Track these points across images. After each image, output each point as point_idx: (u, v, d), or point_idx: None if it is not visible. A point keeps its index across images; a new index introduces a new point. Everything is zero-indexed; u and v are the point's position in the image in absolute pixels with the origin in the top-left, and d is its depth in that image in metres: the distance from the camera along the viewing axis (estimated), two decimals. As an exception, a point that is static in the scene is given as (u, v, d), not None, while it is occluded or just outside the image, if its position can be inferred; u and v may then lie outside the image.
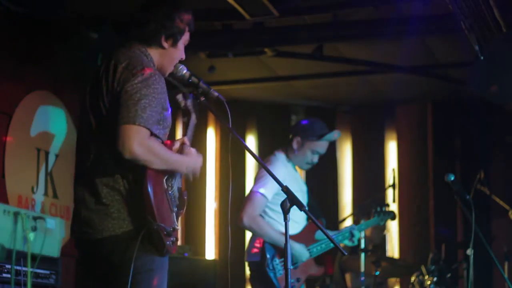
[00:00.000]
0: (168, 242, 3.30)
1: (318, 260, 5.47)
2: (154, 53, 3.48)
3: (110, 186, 3.30)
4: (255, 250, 5.28)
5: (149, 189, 3.24)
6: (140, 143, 3.20)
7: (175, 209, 3.41)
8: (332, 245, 5.26)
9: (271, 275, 5.16)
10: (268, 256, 5.17)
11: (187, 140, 3.52)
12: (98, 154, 3.33)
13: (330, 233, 5.60)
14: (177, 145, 3.48)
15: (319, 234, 5.34)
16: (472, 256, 5.21)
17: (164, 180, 3.35)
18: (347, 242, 5.53)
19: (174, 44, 3.51)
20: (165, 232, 3.28)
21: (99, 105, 3.34)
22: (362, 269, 6.37)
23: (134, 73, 3.29)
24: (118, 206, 3.29)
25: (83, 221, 3.35)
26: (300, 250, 5.22)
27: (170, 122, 3.41)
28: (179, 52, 3.55)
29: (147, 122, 3.22)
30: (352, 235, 5.46)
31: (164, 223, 3.28)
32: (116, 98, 3.27)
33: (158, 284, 3.34)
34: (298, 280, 5.27)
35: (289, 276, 3.19)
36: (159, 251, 3.32)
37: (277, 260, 5.20)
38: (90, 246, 3.36)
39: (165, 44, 3.48)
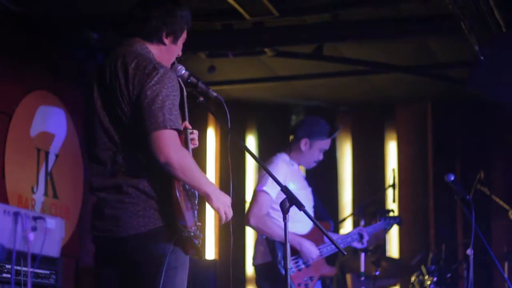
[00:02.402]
0: (196, 241, 3.34)
1: (330, 260, 5.47)
2: (154, 49, 3.47)
3: (135, 186, 3.30)
4: (263, 252, 5.25)
5: (178, 195, 3.26)
6: (175, 147, 3.23)
7: (196, 207, 3.42)
8: (342, 245, 5.28)
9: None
10: (279, 254, 5.15)
11: (188, 125, 3.51)
12: (122, 159, 3.33)
13: (338, 235, 5.62)
14: None
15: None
16: (472, 256, 5.21)
17: None
18: (356, 244, 5.53)
19: (175, 41, 3.51)
20: (192, 234, 3.31)
21: (115, 110, 3.33)
22: (362, 269, 6.36)
23: (148, 74, 3.28)
24: (144, 204, 3.30)
25: (107, 218, 3.34)
26: (310, 247, 5.22)
27: None
28: (178, 49, 3.56)
29: (176, 123, 3.25)
30: (361, 237, 5.46)
31: (191, 225, 3.30)
32: (135, 103, 3.27)
33: (180, 282, 3.37)
34: (311, 278, 5.25)
35: (289, 276, 3.19)
36: (185, 251, 3.35)
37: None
38: (112, 243, 3.35)
39: (166, 41, 3.49)
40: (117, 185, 3.32)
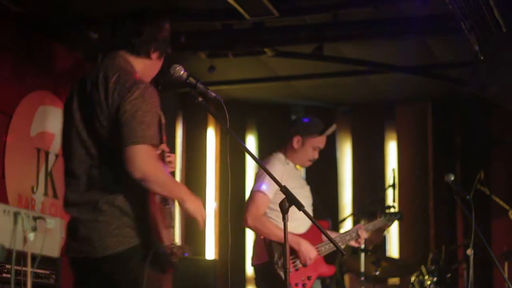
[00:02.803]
0: (173, 259, 3.30)
1: (329, 259, 5.45)
2: (138, 63, 3.43)
3: (110, 203, 3.25)
4: (261, 252, 5.24)
5: (154, 212, 3.23)
6: (150, 163, 3.19)
7: (172, 225, 3.38)
8: (340, 243, 5.27)
9: (281, 273, 5.12)
10: (276, 254, 5.14)
11: (166, 147, 3.46)
12: (98, 174, 3.27)
13: (337, 233, 5.61)
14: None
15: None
16: (472, 256, 5.21)
17: (160, 198, 3.32)
18: (353, 243, 5.50)
19: (161, 56, 3.49)
20: (169, 251, 3.27)
21: (93, 123, 3.28)
22: (362, 269, 6.36)
23: (128, 88, 3.24)
24: (117, 223, 3.24)
25: (81, 239, 3.30)
26: (308, 247, 5.21)
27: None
28: (161, 63, 3.52)
29: (153, 139, 3.22)
30: (358, 236, 5.44)
31: (167, 242, 3.27)
32: (114, 117, 3.22)
33: None
34: (309, 278, 5.24)
35: (288, 277, 3.19)
36: (163, 269, 3.30)
37: None
38: (89, 265, 3.30)
39: (153, 56, 3.46)
40: (92, 201, 3.27)
